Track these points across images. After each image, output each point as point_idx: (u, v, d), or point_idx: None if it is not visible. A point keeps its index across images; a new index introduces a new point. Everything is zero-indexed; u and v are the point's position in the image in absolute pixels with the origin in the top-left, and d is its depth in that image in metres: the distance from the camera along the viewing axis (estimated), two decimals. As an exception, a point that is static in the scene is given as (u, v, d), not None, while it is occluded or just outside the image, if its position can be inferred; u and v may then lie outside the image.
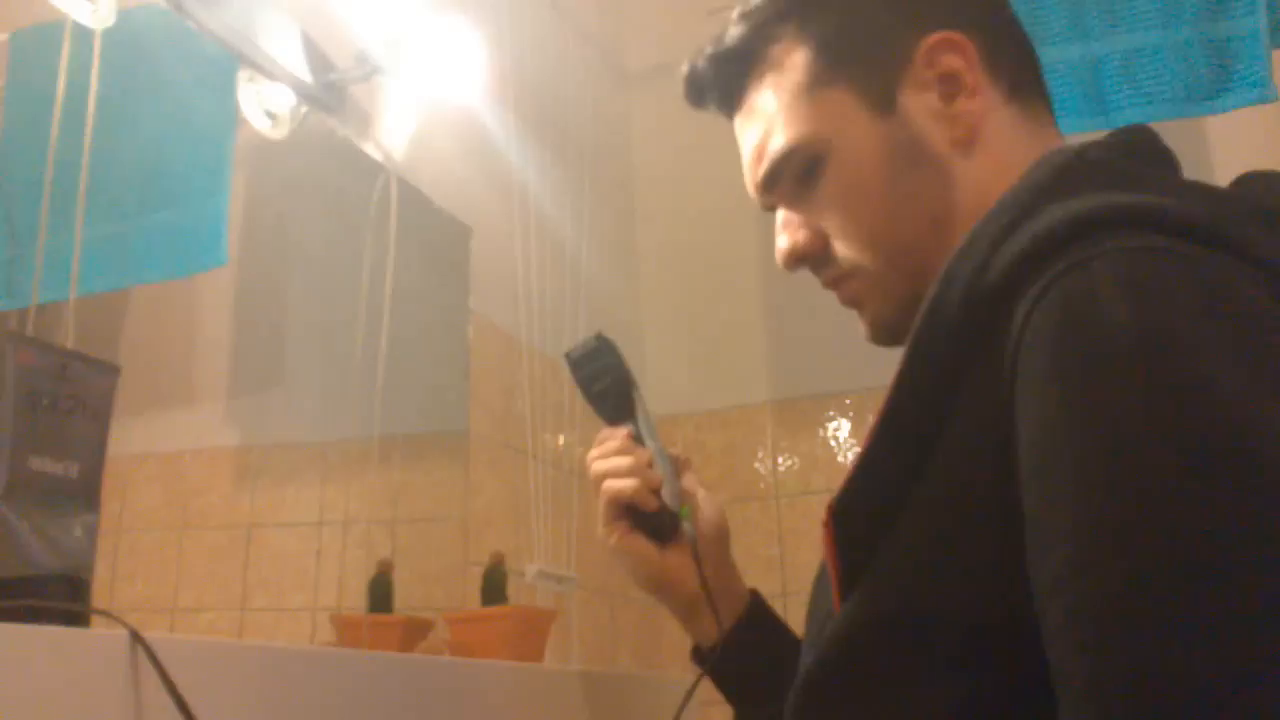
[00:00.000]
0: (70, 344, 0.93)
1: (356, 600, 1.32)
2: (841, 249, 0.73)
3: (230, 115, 1.27)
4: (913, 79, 0.71)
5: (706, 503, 0.93)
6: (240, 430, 1.32)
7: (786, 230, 0.76)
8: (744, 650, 0.90)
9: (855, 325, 0.77)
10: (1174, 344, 0.50)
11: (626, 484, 0.89)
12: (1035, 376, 0.53)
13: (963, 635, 0.56)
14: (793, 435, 2.25)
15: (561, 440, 1.89)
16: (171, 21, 1.18)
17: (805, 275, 0.79)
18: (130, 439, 1.02)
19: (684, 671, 0.96)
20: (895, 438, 0.60)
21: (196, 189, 1.20)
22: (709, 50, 0.79)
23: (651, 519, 0.90)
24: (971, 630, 0.56)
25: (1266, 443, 0.47)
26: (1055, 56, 1.65)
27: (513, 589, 1.41)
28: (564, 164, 2.04)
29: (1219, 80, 1.60)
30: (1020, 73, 0.74)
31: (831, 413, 2.23)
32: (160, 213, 1.18)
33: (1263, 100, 1.58)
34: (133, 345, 1.13)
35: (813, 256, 0.75)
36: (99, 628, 0.68)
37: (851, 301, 0.76)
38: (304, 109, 1.39)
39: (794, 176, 0.74)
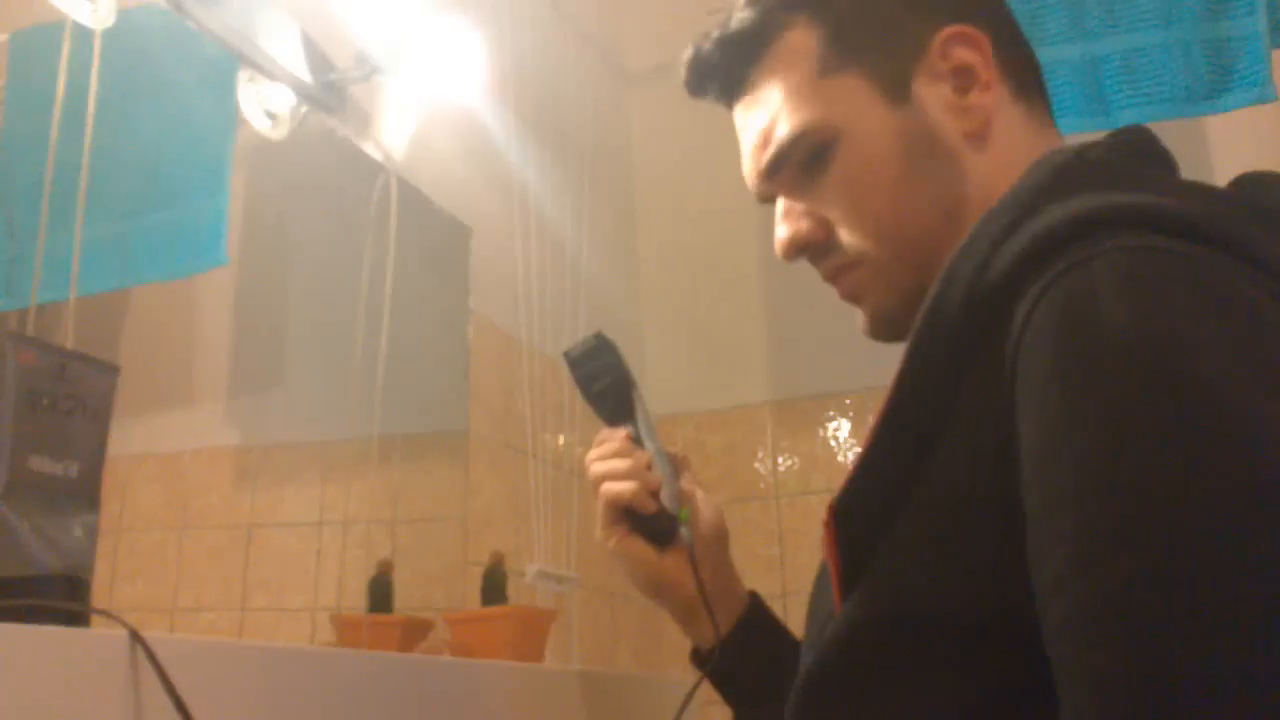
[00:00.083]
0: (70, 344, 0.93)
1: (356, 600, 1.32)
2: (847, 237, 0.73)
3: (230, 115, 1.27)
4: (927, 70, 0.71)
5: (705, 504, 0.93)
6: (240, 430, 1.32)
7: (787, 220, 0.76)
8: (742, 652, 0.90)
9: (855, 323, 0.77)
10: (1174, 344, 0.50)
11: (625, 487, 0.89)
12: (1036, 376, 0.53)
13: (963, 635, 0.56)
14: (793, 435, 2.25)
15: (561, 440, 1.89)
16: (171, 21, 1.18)
17: (806, 275, 0.78)
18: (130, 439, 1.02)
19: (684, 672, 0.96)
20: (896, 438, 0.60)
21: (196, 189, 1.20)
22: (715, 34, 0.78)
23: (650, 521, 0.90)
24: (972, 630, 0.56)
25: (1266, 442, 0.48)
26: (1055, 56, 1.65)
27: (513, 589, 1.41)
28: (564, 164, 2.04)
29: (1219, 80, 1.60)
30: (1024, 72, 0.74)
31: (831, 413, 2.23)
32: (160, 213, 1.18)
33: (1263, 100, 1.58)
34: (133, 345, 1.13)
35: (814, 246, 0.75)
36: (99, 628, 0.68)
37: (851, 294, 0.75)
38: (304, 109, 1.39)
39: (799, 163, 0.74)
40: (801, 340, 2.26)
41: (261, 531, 1.29)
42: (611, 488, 0.89)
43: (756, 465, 2.26)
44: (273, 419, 1.36)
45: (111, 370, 0.78)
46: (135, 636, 0.64)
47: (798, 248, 0.75)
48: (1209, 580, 0.46)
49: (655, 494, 0.89)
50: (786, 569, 2.15)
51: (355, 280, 1.45)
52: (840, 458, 2.20)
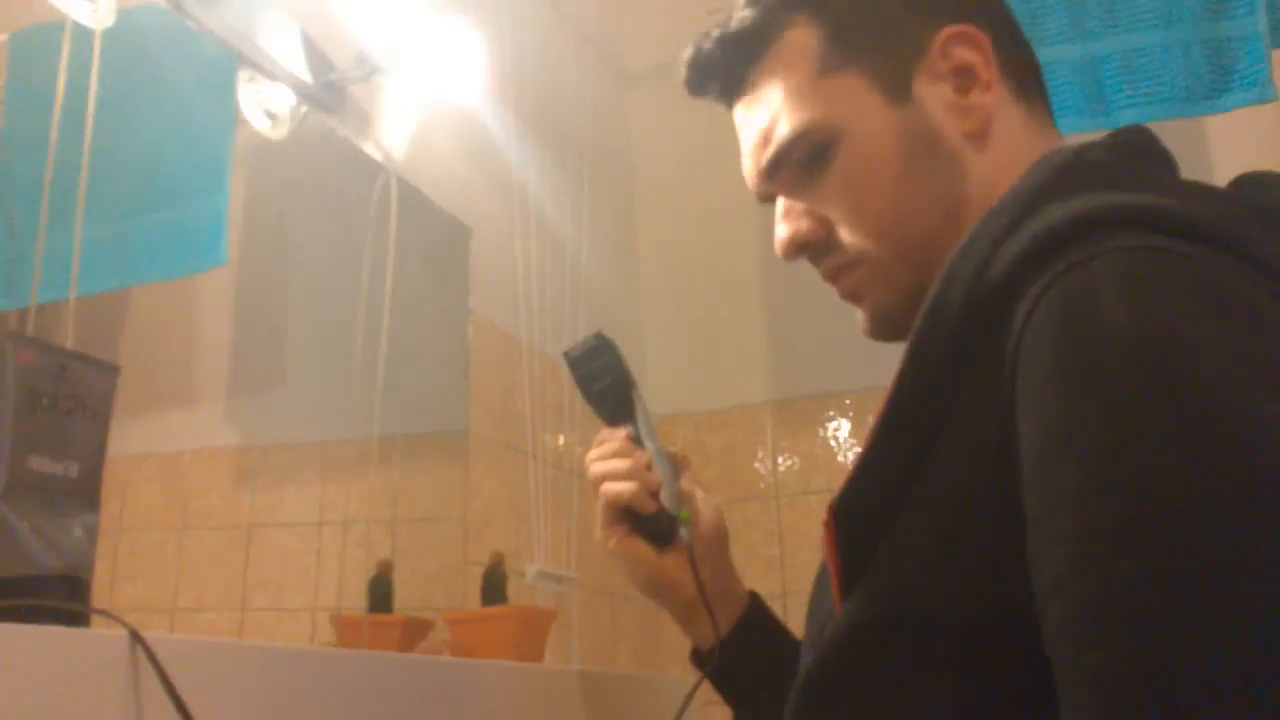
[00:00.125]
0: (70, 344, 0.93)
1: (356, 600, 1.32)
2: (848, 236, 0.73)
3: (230, 115, 1.27)
4: (928, 69, 0.71)
5: (705, 504, 0.93)
6: (240, 430, 1.32)
7: (787, 219, 0.76)
8: (742, 652, 0.90)
9: (855, 323, 0.77)
10: (1174, 344, 0.50)
11: (625, 487, 0.89)
12: (1036, 376, 0.53)
13: (963, 635, 0.56)
14: (793, 435, 2.25)
15: (561, 440, 1.89)
16: (171, 21, 1.18)
17: (806, 274, 0.78)
18: (130, 439, 1.02)
19: (684, 672, 0.96)
20: (896, 438, 0.60)
21: (196, 189, 1.20)
22: (716, 33, 0.78)
23: (650, 522, 0.90)
24: (972, 630, 0.56)
25: (1266, 442, 0.48)
26: (1055, 56, 1.65)
27: (513, 589, 1.41)
28: (564, 164, 2.04)
29: (1219, 80, 1.60)
30: (1025, 71, 0.74)
31: (831, 413, 2.23)
32: (160, 213, 1.18)
33: (1263, 100, 1.58)
34: (133, 345, 1.13)
35: (815, 245, 0.75)
36: (99, 627, 0.68)
37: (851, 293, 0.75)
38: (304, 109, 1.39)
39: (799, 162, 0.74)
40: (801, 340, 2.26)
41: (261, 531, 1.29)
42: (611, 488, 0.89)
43: (756, 465, 2.26)
44: (273, 419, 1.36)
45: (111, 370, 0.78)
46: (135, 636, 0.64)
47: (798, 247, 0.75)
48: (1209, 580, 0.46)
49: (655, 494, 0.89)
50: (786, 569, 2.15)
51: (355, 280, 1.45)
52: (840, 458, 2.20)
